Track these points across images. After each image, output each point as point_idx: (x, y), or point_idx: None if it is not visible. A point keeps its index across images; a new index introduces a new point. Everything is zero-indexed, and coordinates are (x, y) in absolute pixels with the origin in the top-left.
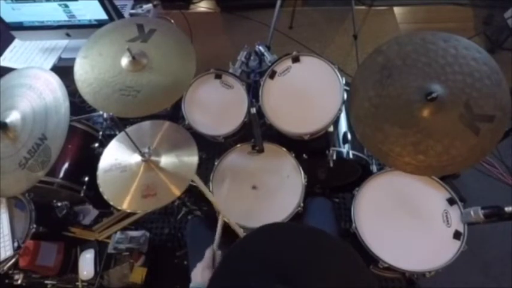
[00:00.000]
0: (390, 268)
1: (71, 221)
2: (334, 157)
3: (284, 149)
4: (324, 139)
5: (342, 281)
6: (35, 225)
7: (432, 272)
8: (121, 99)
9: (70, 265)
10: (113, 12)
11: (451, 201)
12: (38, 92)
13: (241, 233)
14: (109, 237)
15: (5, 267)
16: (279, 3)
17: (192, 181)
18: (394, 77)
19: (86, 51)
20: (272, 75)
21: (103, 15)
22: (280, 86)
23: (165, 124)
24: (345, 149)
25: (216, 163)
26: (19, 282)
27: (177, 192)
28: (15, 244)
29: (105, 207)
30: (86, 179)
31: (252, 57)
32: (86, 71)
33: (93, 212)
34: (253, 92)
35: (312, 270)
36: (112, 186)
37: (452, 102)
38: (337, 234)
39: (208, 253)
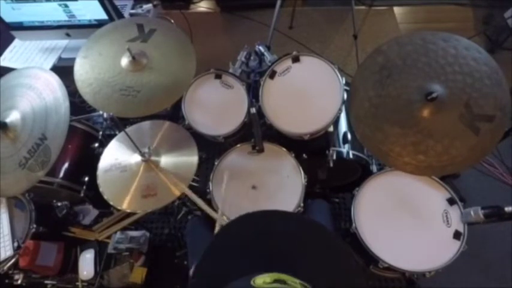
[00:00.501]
0: (390, 268)
1: (71, 221)
2: (334, 157)
3: (284, 149)
4: (324, 139)
5: (329, 267)
6: (35, 225)
7: (432, 272)
8: (121, 99)
9: (70, 265)
10: (113, 12)
11: (451, 201)
12: (38, 92)
13: None
14: (109, 237)
15: (5, 267)
16: (279, 3)
17: (192, 181)
18: (394, 77)
19: (86, 51)
20: (272, 75)
21: (103, 15)
22: (280, 86)
23: (165, 124)
24: (345, 149)
25: (216, 163)
26: (19, 282)
27: (177, 192)
28: (15, 244)
29: (105, 207)
30: (86, 179)
31: (252, 57)
32: (86, 71)
33: (93, 212)
34: (253, 92)
35: (294, 255)
36: (112, 186)
37: (452, 102)
38: None
39: None
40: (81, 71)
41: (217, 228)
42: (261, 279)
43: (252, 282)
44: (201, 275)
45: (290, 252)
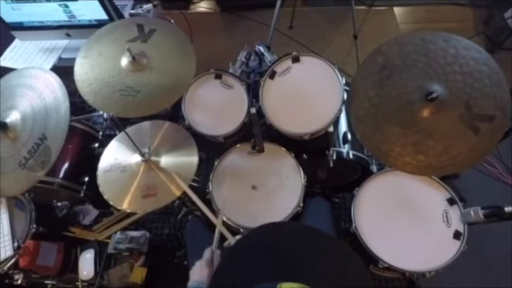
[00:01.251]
0: (390, 268)
1: (71, 221)
2: (334, 157)
3: (284, 149)
4: (324, 139)
5: (339, 277)
6: (35, 225)
7: (432, 272)
8: (121, 99)
9: (70, 265)
10: (113, 12)
11: (451, 201)
12: (38, 92)
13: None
14: (109, 237)
15: (5, 267)
16: (279, 3)
17: (192, 181)
18: (394, 77)
19: (86, 51)
20: (272, 75)
21: (103, 15)
22: (280, 86)
23: (165, 124)
24: (345, 149)
25: (216, 163)
26: (19, 282)
27: (177, 192)
28: (15, 244)
29: (105, 207)
30: (86, 179)
31: (252, 57)
32: (86, 71)
33: (93, 212)
34: (253, 92)
35: (310, 265)
36: (112, 186)
37: (452, 102)
38: (334, 233)
39: (207, 252)
40: (81, 71)
41: (216, 233)
42: (288, 285)
43: (278, 287)
44: (222, 276)
45: (302, 262)
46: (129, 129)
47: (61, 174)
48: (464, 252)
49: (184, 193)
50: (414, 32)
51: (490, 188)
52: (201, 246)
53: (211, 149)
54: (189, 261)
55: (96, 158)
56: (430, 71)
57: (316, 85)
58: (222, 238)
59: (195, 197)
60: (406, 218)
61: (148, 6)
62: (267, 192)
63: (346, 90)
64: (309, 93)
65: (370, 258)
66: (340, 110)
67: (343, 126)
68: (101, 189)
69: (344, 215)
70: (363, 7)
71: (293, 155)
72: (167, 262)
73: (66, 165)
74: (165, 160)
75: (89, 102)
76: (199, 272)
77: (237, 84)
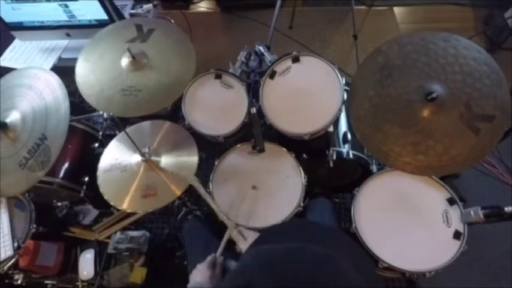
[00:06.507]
0: (390, 268)
1: (71, 221)
2: (334, 157)
3: (284, 149)
4: (324, 139)
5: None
6: (35, 225)
7: (432, 272)
8: (123, 99)
9: (70, 265)
10: (113, 12)
11: (451, 201)
12: (38, 92)
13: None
14: (109, 237)
15: (5, 267)
16: (279, 3)
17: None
18: (394, 77)
19: (87, 54)
20: (272, 75)
21: (103, 15)
22: (280, 86)
23: (165, 124)
24: (345, 149)
25: (216, 163)
26: (19, 282)
27: (177, 192)
28: (15, 244)
29: (105, 207)
30: (86, 179)
31: (252, 57)
32: (88, 73)
33: (93, 212)
34: (253, 92)
35: None
36: (112, 186)
37: (452, 102)
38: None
39: (210, 258)
40: (83, 73)
41: (226, 236)
42: None
43: None
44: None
45: None
46: (129, 129)
47: (61, 174)
48: (464, 252)
49: (184, 193)
50: (414, 32)
51: (490, 188)
52: (199, 246)
53: (211, 149)
54: (188, 261)
55: (96, 158)
56: (430, 71)
57: (316, 85)
58: (228, 243)
59: (202, 191)
60: (406, 218)
61: (148, 6)
62: (267, 192)
63: (346, 90)
64: (309, 93)
65: (370, 258)
66: (340, 110)
67: (343, 126)
68: (101, 190)
69: (344, 215)
70: (363, 7)
71: (293, 155)
72: (167, 262)
73: (66, 165)
74: (165, 160)
75: (93, 104)
76: (200, 273)
77: (237, 84)
